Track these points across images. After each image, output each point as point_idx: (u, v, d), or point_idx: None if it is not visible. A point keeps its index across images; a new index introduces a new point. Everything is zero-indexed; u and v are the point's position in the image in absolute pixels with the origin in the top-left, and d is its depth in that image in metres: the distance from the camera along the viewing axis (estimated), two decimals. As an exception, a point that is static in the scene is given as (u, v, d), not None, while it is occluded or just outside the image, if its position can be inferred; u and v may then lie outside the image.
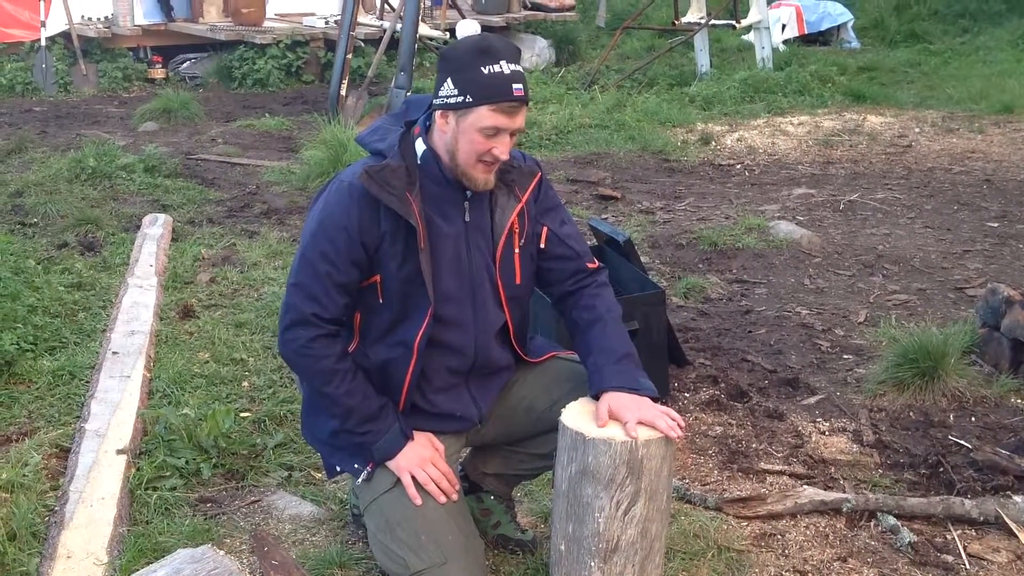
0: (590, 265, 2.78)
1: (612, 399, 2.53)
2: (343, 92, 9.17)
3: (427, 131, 2.57)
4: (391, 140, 2.59)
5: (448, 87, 2.45)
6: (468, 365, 2.67)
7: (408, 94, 8.31)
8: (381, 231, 2.52)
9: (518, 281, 2.68)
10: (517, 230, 2.65)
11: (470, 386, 2.71)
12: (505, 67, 2.41)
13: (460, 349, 2.64)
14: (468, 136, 2.45)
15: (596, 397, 2.57)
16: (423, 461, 2.59)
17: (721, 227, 6.30)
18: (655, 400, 2.56)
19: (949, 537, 3.12)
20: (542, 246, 2.71)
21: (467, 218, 2.60)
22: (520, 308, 2.74)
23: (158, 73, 11.44)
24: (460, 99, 2.43)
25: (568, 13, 13.43)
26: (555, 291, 2.80)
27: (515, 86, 2.42)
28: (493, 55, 2.42)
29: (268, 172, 7.54)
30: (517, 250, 2.66)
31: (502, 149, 2.46)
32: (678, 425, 2.49)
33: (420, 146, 2.57)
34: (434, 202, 2.56)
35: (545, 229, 2.71)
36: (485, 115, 2.42)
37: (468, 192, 2.59)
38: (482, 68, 2.41)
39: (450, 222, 2.58)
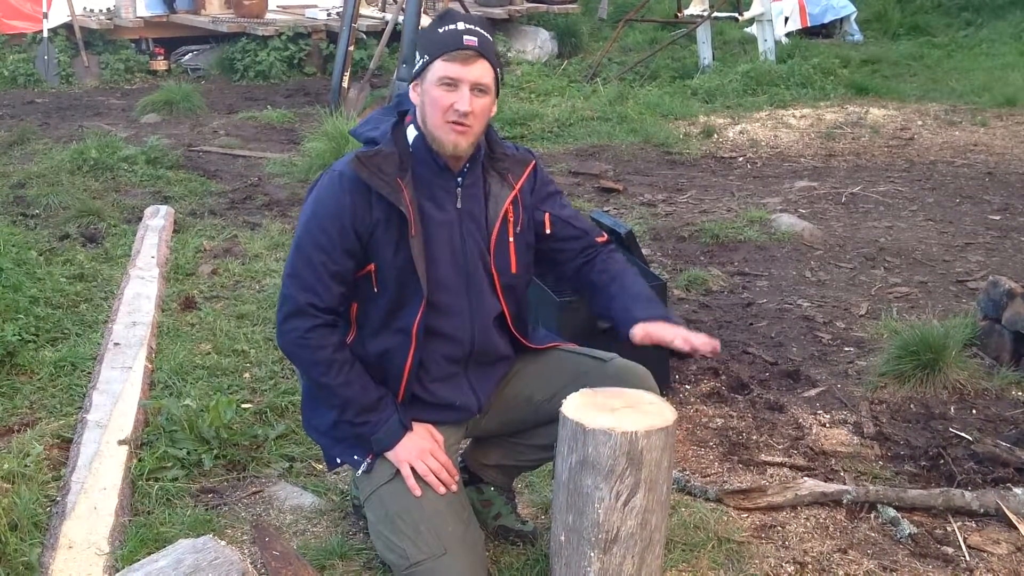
0: (599, 240, 2.82)
1: (648, 325, 2.59)
2: (345, 84, 9.16)
3: (416, 118, 2.58)
4: (384, 128, 2.61)
5: (416, 59, 2.55)
6: (465, 353, 2.68)
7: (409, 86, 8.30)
8: (374, 219, 2.52)
9: (514, 270, 2.68)
10: (512, 218, 2.66)
11: (469, 375, 2.71)
12: (460, 25, 2.49)
13: (456, 337, 2.65)
14: (430, 95, 2.49)
15: (627, 336, 2.62)
16: (422, 452, 2.60)
17: (723, 220, 6.29)
18: None
19: (949, 529, 3.12)
20: (548, 231, 2.74)
21: (459, 205, 2.61)
22: (516, 297, 2.75)
23: (160, 65, 11.43)
24: (421, 62, 2.52)
25: (570, 5, 13.41)
26: (568, 269, 2.82)
27: (467, 38, 2.47)
28: (451, 19, 2.52)
29: (270, 164, 7.54)
30: (512, 238, 2.67)
31: (462, 102, 2.46)
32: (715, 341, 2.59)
33: (412, 132, 2.59)
34: (426, 188, 2.57)
35: (547, 215, 2.73)
36: (439, 67, 2.48)
37: (460, 179, 2.60)
38: (439, 29, 2.50)
39: (442, 209, 2.59)
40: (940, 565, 2.96)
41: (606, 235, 2.86)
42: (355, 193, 2.52)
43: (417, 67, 2.54)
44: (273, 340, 4.30)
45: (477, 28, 2.50)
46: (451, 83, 2.47)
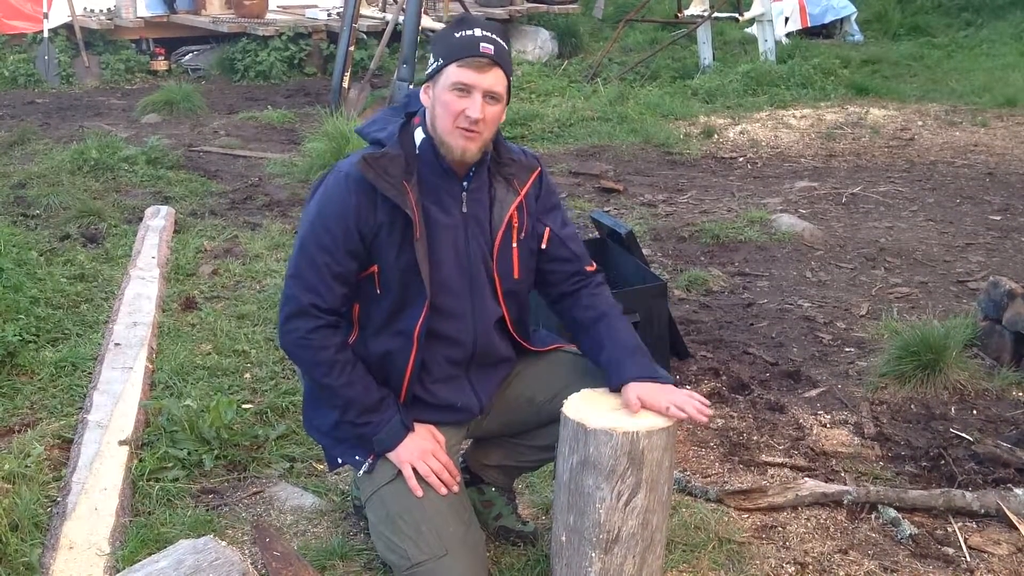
0: (588, 268, 2.79)
1: (638, 388, 2.54)
2: (345, 84, 9.17)
3: (425, 121, 2.58)
4: (391, 130, 2.60)
5: (428, 62, 2.54)
6: (467, 356, 2.68)
7: (411, 86, 8.30)
8: (378, 221, 2.52)
9: (516, 275, 2.68)
10: (516, 224, 2.66)
11: (471, 377, 2.71)
12: (477, 32, 2.48)
13: (458, 339, 2.65)
14: (442, 99, 2.49)
15: (617, 390, 2.59)
16: (424, 453, 2.60)
17: (723, 220, 6.29)
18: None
19: (950, 529, 3.13)
20: (543, 247, 2.72)
21: (465, 209, 2.60)
22: (517, 302, 2.74)
23: (160, 65, 11.43)
24: (434, 65, 2.51)
25: (570, 6, 13.42)
26: (553, 292, 2.81)
27: (483, 45, 2.46)
28: (468, 24, 2.51)
29: (270, 164, 7.54)
30: (515, 244, 2.66)
31: (474, 108, 2.46)
32: (706, 407, 2.54)
33: (419, 135, 2.59)
34: (431, 192, 2.57)
35: (548, 230, 2.72)
36: (453, 72, 2.47)
37: (465, 183, 2.60)
38: (455, 34, 2.49)
39: (447, 213, 2.58)
40: (941, 566, 2.96)
41: (595, 264, 2.83)
42: (360, 194, 2.52)
43: (430, 69, 2.53)
44: (274, 340, 4.30)
45: (494, 36, 2.49)
46: (464, 89, 2.46)
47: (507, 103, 2.57)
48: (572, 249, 2.77)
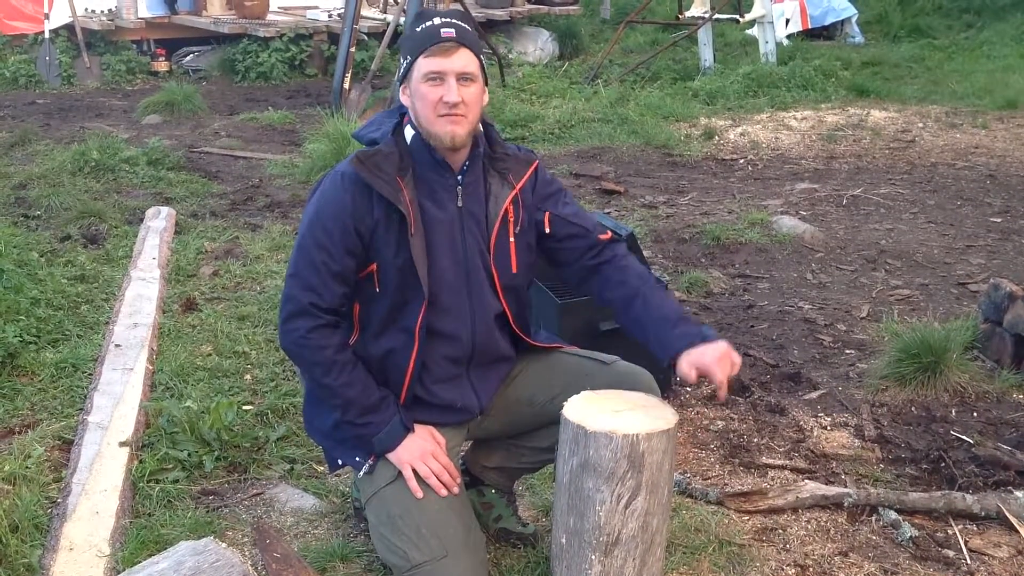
0: (602, 237, 2.75)
1: (689, 356, 2.53)
2: (346, 85, 9.18)
3: (411, 121, 2.60)
4: (385, 129, 2.62)
5: (400, 62, 2.58)
6: (466, 354, 2.68)
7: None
8: (375, 218, 2.53)
9: (514, 270, 2.68)
10: (512, 218, 2.66)
11: (471, 376, 2.71)
12: (436, 20, 2.51)
13: (457, 337, 2.64)
14: (418, 92, 2.51)
15: (671, 365, 2.58)
16: (424, 454, 2.59)
17: (724, 222, 6.29)
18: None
19: (950, 532, 3.12)
20: (547, 230, 2.71)
21: (460, 203, 2.61)
22: (516, 297, 2.74)
23: (161, 66, 11.45)
24: (405, 64, 2.54)
25: (571, 7, 13.43)
26: (575, 270, 2.77)
27: (444, 31, 2.48)
28: (427, 16, 2.54)
29: (271, 165, 7.55)
30: (512, 238, 2.66)
31: (450, 93, 2.47)
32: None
33: (409, 131, 2.60)
34: (426, 187, 2.58)
35: (547, 215, 2.71)
36: (422, 64, 2.49)
37: (460, 177, 2.60)
38: (416, 29, 2.52)
39: (442, 207, 2.59)
40: (941, 568, 2.96)
41: (610, 232, 2.79)
42: (356, 192, 2.53)
43: (402, 69, 2.56)
44: (274, 341, 4.30)
45: (454, 20, 2.51)
46: (436, 77, 2.48)
47: (485, 84, 2.58)
48: (578, 223, 2.73)
